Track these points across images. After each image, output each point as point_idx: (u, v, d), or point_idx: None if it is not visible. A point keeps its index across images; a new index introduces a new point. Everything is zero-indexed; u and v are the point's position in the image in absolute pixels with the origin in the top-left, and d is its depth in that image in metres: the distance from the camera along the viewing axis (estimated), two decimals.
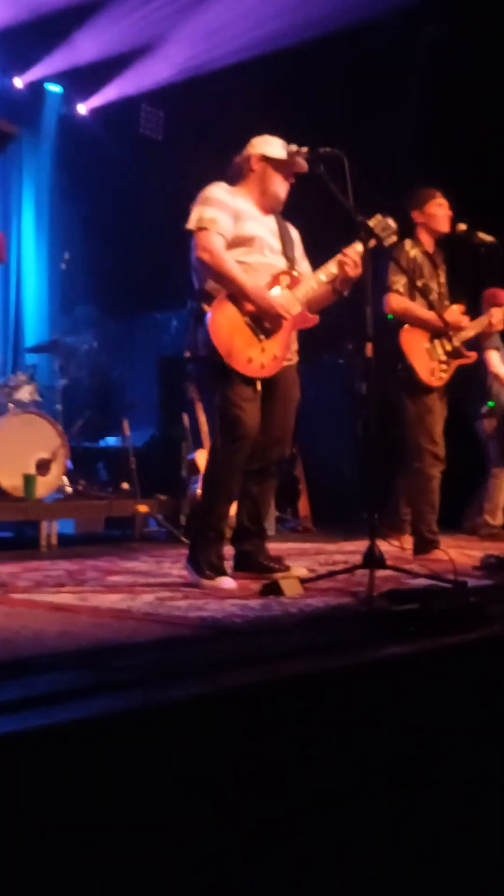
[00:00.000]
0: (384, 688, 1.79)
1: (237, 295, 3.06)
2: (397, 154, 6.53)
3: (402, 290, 3.97)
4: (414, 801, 1.73)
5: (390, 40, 6.38)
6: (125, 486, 5.73)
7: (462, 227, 3.92)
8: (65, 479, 5.31)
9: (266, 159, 3.19)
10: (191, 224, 3.09)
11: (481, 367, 5.09)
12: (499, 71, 5.95)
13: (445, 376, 4.06)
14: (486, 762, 1.89)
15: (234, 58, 6.92)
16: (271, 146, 3.22)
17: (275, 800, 1.51)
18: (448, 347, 4.04)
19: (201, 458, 5.55)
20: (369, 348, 2.98)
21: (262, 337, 3.08)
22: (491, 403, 5.34)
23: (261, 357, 3.08)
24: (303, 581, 2.86)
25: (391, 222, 3.35)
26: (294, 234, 3.36)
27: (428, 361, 4.01)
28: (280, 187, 3.22)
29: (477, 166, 5.98)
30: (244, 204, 3.19)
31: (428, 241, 4.05)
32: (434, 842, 1.74)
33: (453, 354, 4.08)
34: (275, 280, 3.15)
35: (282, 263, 3.22)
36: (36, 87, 7.73)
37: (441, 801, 1.78)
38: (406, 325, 4.01)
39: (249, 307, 3.06)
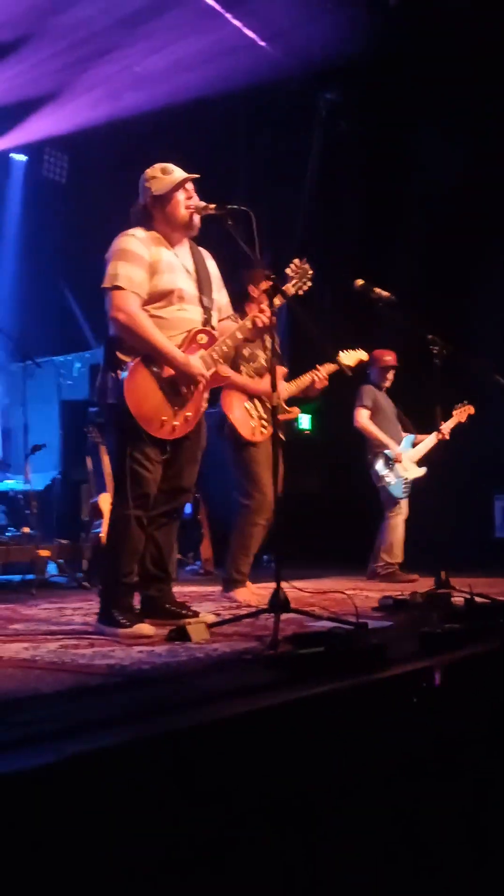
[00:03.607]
0: (291, 730, 1.83)
1: (155, 358, 3.02)
2: (296, 212, 6.79)
3: None
4: (322, 840, 1.77)
5: (290, 104, 6.67)
6: (26, 530, 5.62)
7: (360, 282, 4.06)
8: None
9: (157, 198, 3.14)
10: (106, 282, 3.03)
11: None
12: (390, 138, 6.31)
13: (266, 432, 4.17)
14: (394, 799, 1.95)
15: (141, 108, 7.07)
16: (157, 181, 3.15)
17: (189, 851, 1.52)
18: (268, 405, 4.17)
19: (105, 501, 5.51)
20: (274, 397, 3.10)
21: (176, 404, 3.07)
22: None
23: (172, 420, 3.06)
24: (209, 626, 2.89)
25: (308, 268, 3.74)
26: (211, 264, 3.32)
27: (248, 419, 4.19)
28: (182, 210, 3.13)
29: (370, 225, 6.29)
30: (159, 252, 3.11)
31: None
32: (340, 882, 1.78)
33: (274, 411, 4.19)
34: (192, 338, 3.12)
35: (198, 315, 3.18)
36: None
37: (348, 838, 1.82)
38: (225, 389, 4.13)
39: (167, 371, 3.04)
